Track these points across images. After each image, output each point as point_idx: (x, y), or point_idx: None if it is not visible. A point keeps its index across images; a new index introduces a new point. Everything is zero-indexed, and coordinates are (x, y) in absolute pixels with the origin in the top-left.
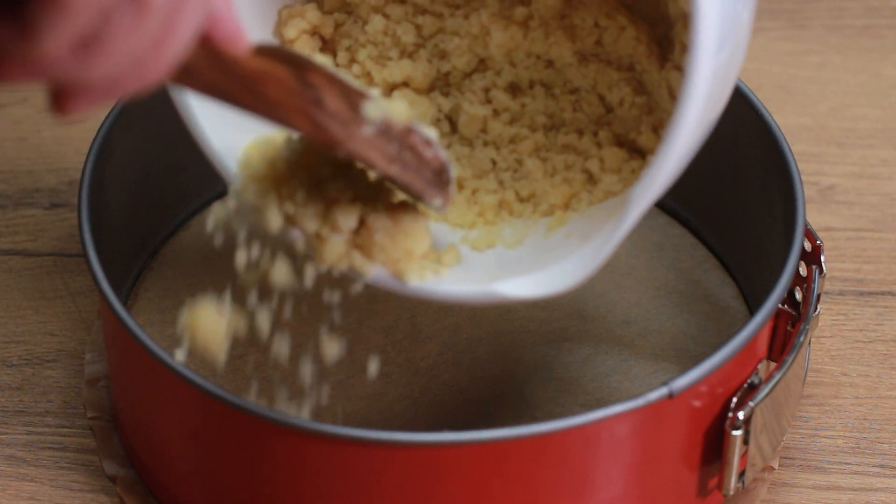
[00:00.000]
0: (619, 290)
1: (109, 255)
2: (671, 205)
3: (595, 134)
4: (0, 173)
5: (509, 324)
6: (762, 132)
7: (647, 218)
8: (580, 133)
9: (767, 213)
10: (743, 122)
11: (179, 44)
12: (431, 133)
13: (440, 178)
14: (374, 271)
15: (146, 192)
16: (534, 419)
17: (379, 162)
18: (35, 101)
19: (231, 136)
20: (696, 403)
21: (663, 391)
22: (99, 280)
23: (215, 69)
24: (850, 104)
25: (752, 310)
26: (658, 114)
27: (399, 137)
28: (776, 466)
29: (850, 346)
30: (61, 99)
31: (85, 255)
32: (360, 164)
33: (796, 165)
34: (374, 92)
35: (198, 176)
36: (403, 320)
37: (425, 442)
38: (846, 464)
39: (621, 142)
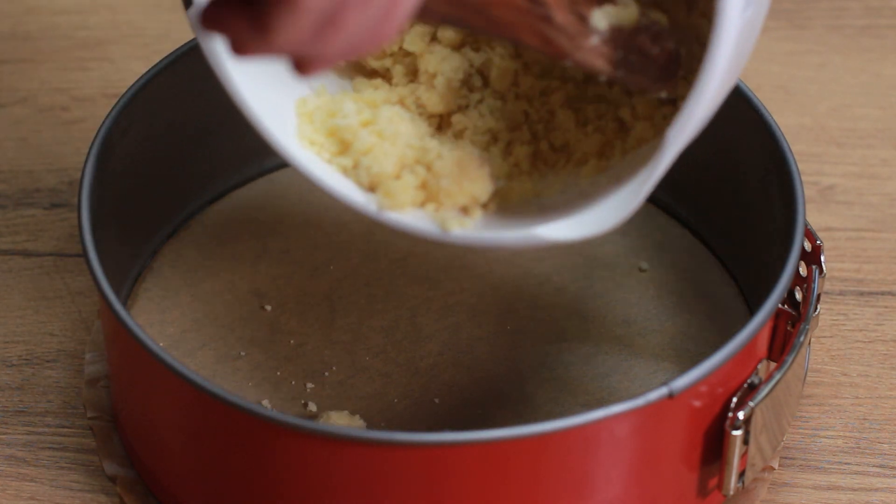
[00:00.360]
0: (619, 290)
1: (109, 255)
2: (671, 205)
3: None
4: (0, 173)
5: (509, 324)
6: (762, 132)
7: (647, 218)
8: (610, 83)
9: (767, 213)
10: (743, 122)
11: (410, 5)
12: (661, 18)
13: (667, 70)
14: (419, 221)
15: (146, 192)
16: (534, 419)
17: (605, 68)
18: (35, 101)
19: (268, 96)
20: (696, 403)
21: (663, 391)
22: (99, 280)
23: (448, 3)
24: (850, 104)
25: (752, 310)
26: (686, 61)
27: (626, 42)
28: (776, 466)
29: (850, 346)
30: (302, 66)
31: (85, 255)
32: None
33: (796, 165)
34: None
35: (198, 176)
36: (403, 320)
37: (425, 442)
38: (846, 464)
39: None
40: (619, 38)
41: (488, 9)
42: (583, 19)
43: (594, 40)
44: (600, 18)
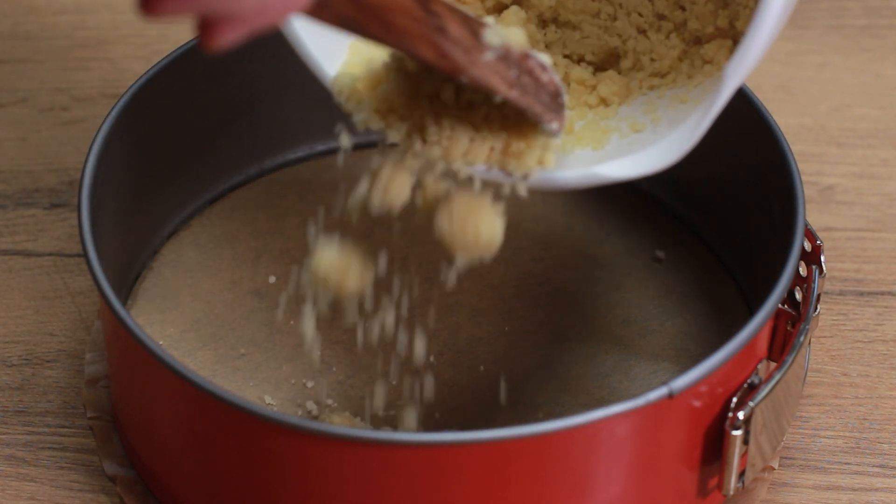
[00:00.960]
0: (619, 290)
1: (109, 255)
2: (671, 204)
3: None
4: (0, 173)
5: (509, 324)
6: (762, 132)
7: (647, 218)
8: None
9: (767, 213)
10: (743, 122)
11: None
12: (546, 59)
13: (556, 101)
14: (480, 167)
15: (146, 192)
16: (534, 419)
17: (500, 87)
18: (35, 100)
19: (328, 45)
20: (696, 403)
21: (663, 391)
22: (99, 280)
23: (348, 2)
24: (850, 104)
25: (752, 310)
26: (733, 7)
27: (518, 63)
28: (776, 466)
29: (850, 346)
30: (208, 32)
31: (85, 255)
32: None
33: (796, 165)
34: (489, 20)
35: (198, 176)
36: (403, 320)
37: (425, 442)
38: (846, 464)
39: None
40: (511, 58)
41: (386, 14)
42: (475, 34)
43: (489, 56)
44: (493, 35)
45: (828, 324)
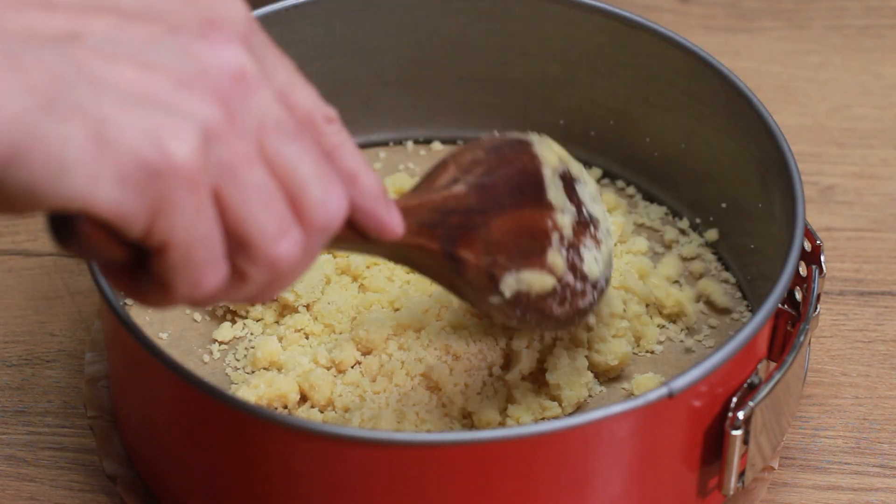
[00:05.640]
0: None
1: None
2: (672, 204)
3: None
4: None
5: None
6: (762, 132)
7: (647, 218)
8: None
9: (767, 213)
10: (743, 122)
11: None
12: (593, 272)
13: (567, 323)
14: None
15: None
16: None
17: (498, 317)
18: None
19: None
20: (696, 403)
21: (663, 391)
22: (99, 280)
23: (366, 244)
24: (850, 104)
25: (753, 310)
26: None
27: (530, 303)
28: (776, 466)
29: (850, 346)
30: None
31: None
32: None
33: (796, 165)
34: (525, 274)
35: None
36: None
37: (425, 442)
38: (846, 464)
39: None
40: (524, 300)
41: (407, 252)
42: (493, 280)
43: (495, 300)
44: (509, 285)
45: (828, 324)
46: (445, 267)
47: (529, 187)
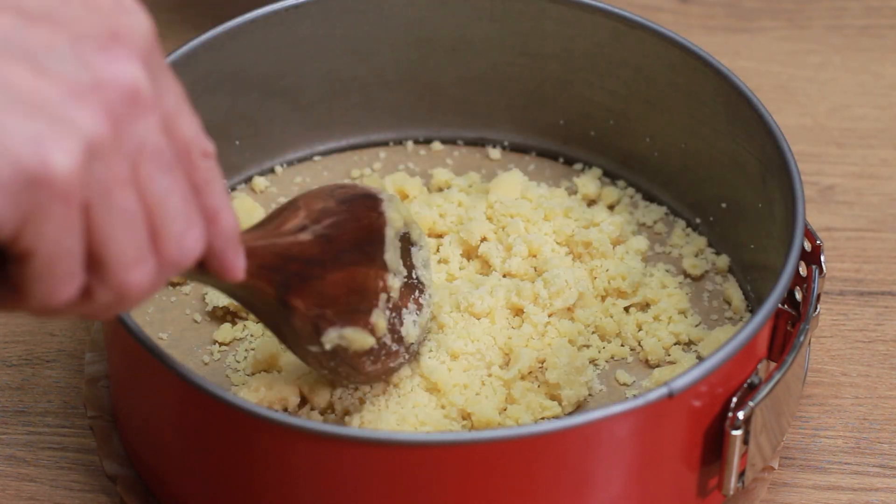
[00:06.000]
0: None
1: None
2: (672, 204)
3: None
4: None
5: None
6: (762, 132)
7: (647, 218)
8: None
9: (767, 213)
10: (743, 122)
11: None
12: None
13: (376, 377)
14: None
15: None
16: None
17: (310, 364)
18: None
19: None
20: (696, 403)
21: (663, 391)
22: None
23: (209, 278)
24: (850, 104)
25: (753, 310)
26: None
27: (346, 358)
28: (776, 466)
29: (850, 346)
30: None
31: None
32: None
33: (796, 165)
34: (347, 331)
35: None
36: None
37: (425, 442)
38: (846, 464)
39: None
40: (340, 354)
41: (242, 291)
42: (317, 331)
43: (314, 349)
44: (330, 339)
45: (828, 324)
46: (275, 311)
47: (370, 246)
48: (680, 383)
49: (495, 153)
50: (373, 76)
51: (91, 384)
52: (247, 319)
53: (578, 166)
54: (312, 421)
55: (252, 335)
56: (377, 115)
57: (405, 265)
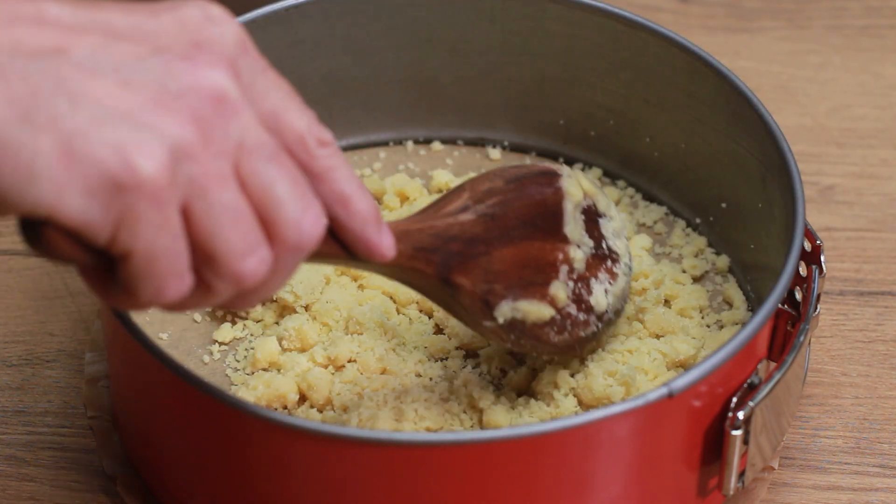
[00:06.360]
0: None
1: None
2: (672, 204)
3: None
4: None
5: None
6: (762, 132)
7: (647, 218)
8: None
9: (767, 213)
10: (743, 122)
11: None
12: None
13: (567, 349)
14: None
15: None
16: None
17: (492, 339)
18: None
19: None
20: (696, 403)
21: (663, 391)
22: None
23: (359, 262)
24: (850, 104)
25: (753, 310)
26: None
27: (525, 330)
28: (776, 466)
29: (850, 346)
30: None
31: None
32: None
33: (796, 165)
34: (521, 303)
35: None
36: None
37: (424, 442)
38: (846, 464)
39: None
40: (519, 327)
41: (402, 273)
42: (488, 306)
43: (488, 325)
44: (503, 313)
45: (828, 324)
46: (440, 290)
47: (546, 220)
48: (680, 383)
49: (495, 153)
50: (373, 76)
51: (91, 384)
52: (247, 319)
53: (578, 166)
54: (312, 421)
55: (252, 335)
56: (377, 115)
57: (593, 236)
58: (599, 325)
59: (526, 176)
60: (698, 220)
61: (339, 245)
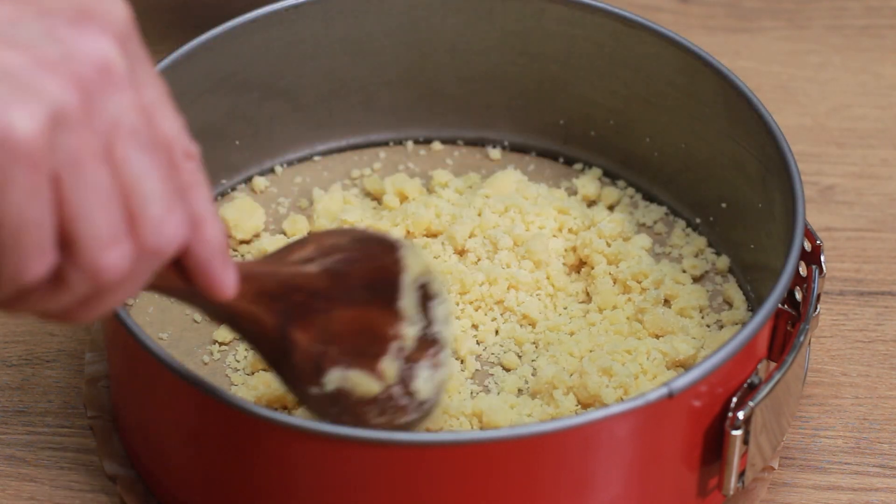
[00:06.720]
0: None
1: None
2: (672, 204)
3: None
4: None
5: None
6: (762, 132)
7: (647, 218)
8: None
9: (767, 213)
10: (743, 122)
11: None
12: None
13: (379, 425)
14: None
15: None
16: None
17: (312, 410)
18: None
19: None
20: (696, 403)
21: (663, 391)
22: None
23: (195, 297)
24: (850, 104)
25: (753, 310)
26: None
27: (350, 405)
28: (776, 466)
29: (850, 346)
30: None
31: None
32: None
33: (796, 165)
34: (352, 373)
35: None
36: None
37: (424, 442)
38: (846, 464)
39: None
40: (343, 401)
41: (237, 318)
42: (318, 370)
43: (314, 391)
44: (332, 380)
45: (828, 324)
46: (274, 344)
47: (383, 288)
48: (680, 383)
49: (495, 153)
50: (373, 76)
51: (91, 384)
52: None
53: (578, 166)
54: (312, 421)
55: None
56: (377, 116)
57: (425, 317)
58: (417, 414)
59: (370, 239)
60: (698, 220)
61: (179, 275)
